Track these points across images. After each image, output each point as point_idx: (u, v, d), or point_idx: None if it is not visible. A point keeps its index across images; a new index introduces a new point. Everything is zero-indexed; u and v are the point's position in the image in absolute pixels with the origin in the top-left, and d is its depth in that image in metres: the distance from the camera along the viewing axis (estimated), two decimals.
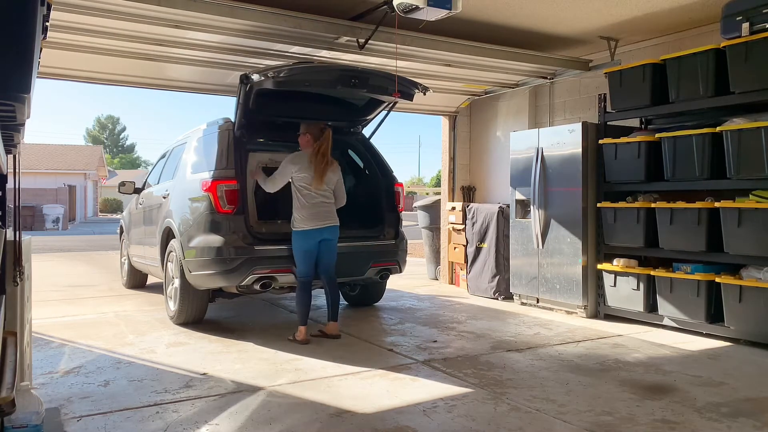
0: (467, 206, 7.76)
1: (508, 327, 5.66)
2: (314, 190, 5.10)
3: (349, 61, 6.13)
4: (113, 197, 42.46)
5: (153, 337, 5.25)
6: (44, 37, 1.94)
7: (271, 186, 5.25)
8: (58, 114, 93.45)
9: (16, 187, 3.09)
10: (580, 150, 6.00)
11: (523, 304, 6.77)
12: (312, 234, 5.06)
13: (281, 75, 4.94)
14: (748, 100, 4.86)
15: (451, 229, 8.18)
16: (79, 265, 11.50)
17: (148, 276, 7.96)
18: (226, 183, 5.21)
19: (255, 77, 5.06)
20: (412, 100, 5.67)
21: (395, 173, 6.33)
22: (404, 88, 5.45)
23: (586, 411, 3.37)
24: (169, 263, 5.86)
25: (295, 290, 5.80)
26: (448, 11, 4.60)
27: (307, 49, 5.69)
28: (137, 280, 8.11)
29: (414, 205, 9.96)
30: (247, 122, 5.47)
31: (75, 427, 3.15)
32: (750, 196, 4.82)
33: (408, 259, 6.23)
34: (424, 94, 5.63)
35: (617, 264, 5.81)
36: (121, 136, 67.29)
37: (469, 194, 8.62)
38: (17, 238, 2.93)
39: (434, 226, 8.90)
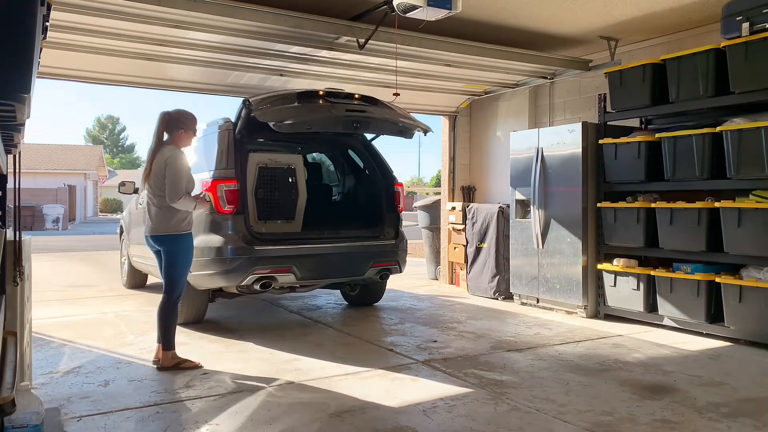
0: (467, 206, 7.76)
1: (508, 327, 5.65)
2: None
3: (349, 61, 6.14)
4: (113, 197, 42.44)
5: (153, 337, 5.21)
6: (44, 37, 1.94)
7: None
8: (58, 114, 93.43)
9: (16, 187, 3.09)
10: (580, 150, 6.00)
11: (523, 304, 6.77)
12: None
13: (285, 122, 4.92)
14: (748, 100, 4.86)
15: (451, 229, 8.18)
16: (79, 265, 11.49)
17: (148, 276, 7.96)
18: (226, 183, 5.21)
19: (258, 114, 5.00)
20: (411, 138, 5.71)
21: (395, 173, 6.33)
22: (406, 126, 5.46)
23: (586, 411, 3.37)
24: None
25: (294, 290, 5.82)
26: (448, 11, 4.61)
27: (308, 49, 5.69)
28: (137, 280, 8.11)
29: (414, 205, 9.95)
30: (247, 128, 5.47)
31: (75, 427, 3.15)
32: (750, 196, 4.81)
33: (408, 259, 6.23)
34: (425, 134, 5.67)
35: (617, 264, 5.81)
36: (121, 136, 67.29)
37: (469, 194, 8.62)
38: (17, 238, 2.93)
39: (434, 226, 8.89)
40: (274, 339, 5.12)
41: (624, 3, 5.37)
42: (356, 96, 5.65)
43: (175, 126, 4.33)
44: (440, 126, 8.87)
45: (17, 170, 3.07)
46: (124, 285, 8.24)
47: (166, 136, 4.34)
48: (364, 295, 6.70)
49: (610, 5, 5.44)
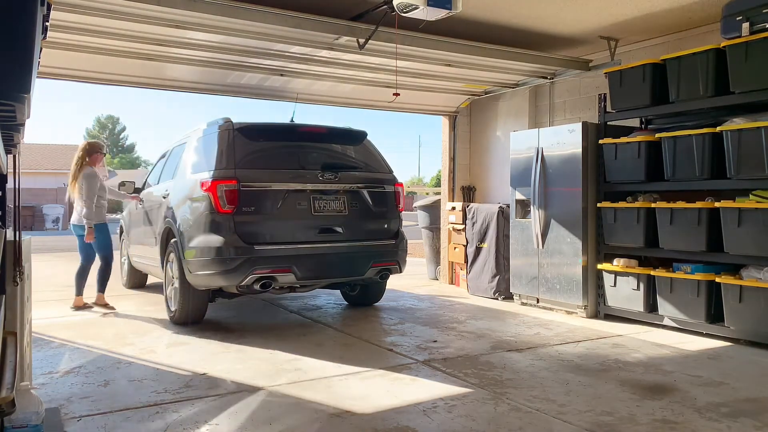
0: (467, 206, 7.76)
1: (508, 327, 5.65)
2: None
3: (349, 61, 6.14)
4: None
5: (153, 337, 5.25)
6: (44, 37, 1.94)
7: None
8: (58, 114, 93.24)
9: (16, 187, 3.09)
10: (580, 150, 6.00)
11: (523, 304, 6.77)
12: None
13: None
14: (748, 100, 4.86)
15: (451, 229, 8.18)
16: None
17: (148, 276, 7.96)
18: (226, 183, 5.21)
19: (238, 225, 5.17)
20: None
21: (395, 173, 6.33)
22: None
23: (586, 411, 3.37)
24: (169, 263, 5.86)
25: (294, 290, 5.85)
26: (448, 11, 4.61)
27: (308, 49, 5.70)
28: (137, 280, 8.11)
29: (414, 205, 9.95)
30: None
31: (75, 427, 3.15)
32: (750, 196, 4.82)
33: (408, 259, 6.22)
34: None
35: (617, 264, 5.81)
36: (121, 136, 67.20)
37: (469, 194, 8.62)
38: (17, 238, 2.93)
39: (434, 226, 8.89)
40: (274, 339, 5.12)
41: (624, 3, 5.38)
42: (341, 191, 5.60)
43: (96, 150, 6.54)
44: (440, 126, 8.87)
45: (17, 170, 3.07)
46: (124, 285, 8.24)
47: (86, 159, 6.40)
48: (364, 295, 6.71)
49: (610, 5, 5.44)
